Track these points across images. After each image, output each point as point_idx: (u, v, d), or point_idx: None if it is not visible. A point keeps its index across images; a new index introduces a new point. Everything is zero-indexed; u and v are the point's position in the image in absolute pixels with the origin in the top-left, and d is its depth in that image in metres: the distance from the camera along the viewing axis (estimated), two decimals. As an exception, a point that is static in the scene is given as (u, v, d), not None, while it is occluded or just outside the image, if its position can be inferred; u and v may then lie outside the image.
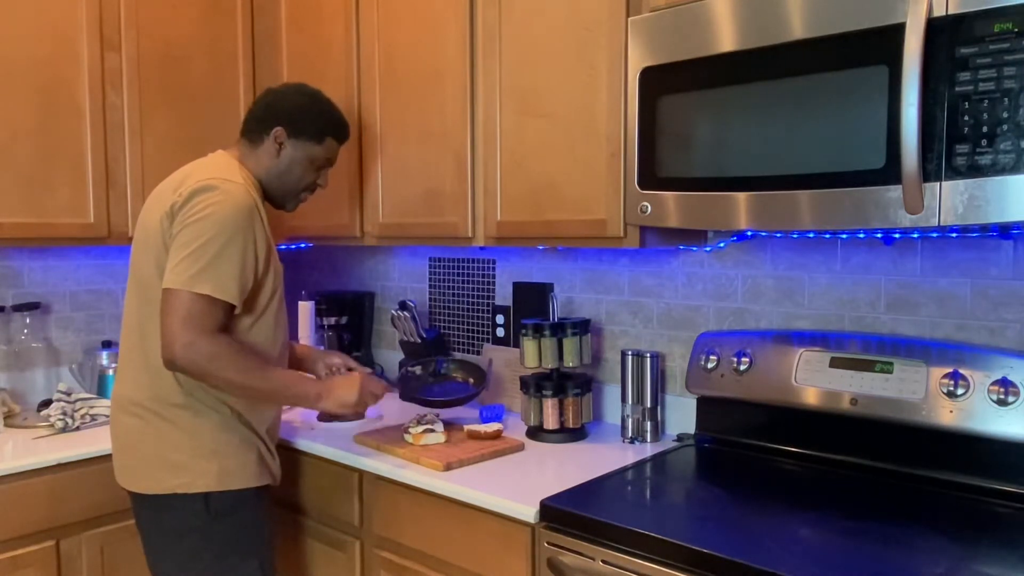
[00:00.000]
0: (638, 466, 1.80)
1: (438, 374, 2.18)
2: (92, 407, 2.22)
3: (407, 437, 1.95)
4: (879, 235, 1.72)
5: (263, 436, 1.77)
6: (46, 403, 2.25)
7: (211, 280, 1.56)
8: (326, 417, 2.22)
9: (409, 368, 2.02)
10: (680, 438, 2.01)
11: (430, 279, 2.71)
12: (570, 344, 2.05)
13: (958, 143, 1.24)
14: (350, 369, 1.95)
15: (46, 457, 1.91)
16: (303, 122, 1.79)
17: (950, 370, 1.58)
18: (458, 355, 2.38)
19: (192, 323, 1.55)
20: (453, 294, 2.64)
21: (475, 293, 2.57)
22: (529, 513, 1.56)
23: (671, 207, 1.61)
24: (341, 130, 1.88)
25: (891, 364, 1.65)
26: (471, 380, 2.22)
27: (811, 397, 1.75)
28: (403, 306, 2.48)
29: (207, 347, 1.56)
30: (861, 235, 1.76)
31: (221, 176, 1.64)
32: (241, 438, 1.71)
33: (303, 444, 2.05)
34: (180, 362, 1.56)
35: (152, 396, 1.67)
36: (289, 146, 1.79)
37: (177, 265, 1.57)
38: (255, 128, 1.80)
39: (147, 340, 1.67)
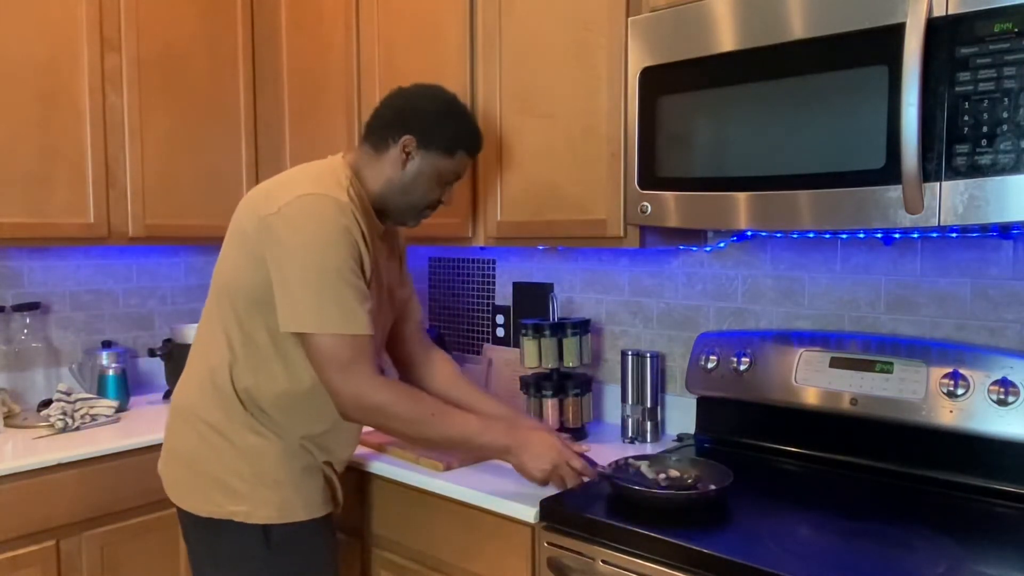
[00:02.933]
0: (638, 466, 1.80)
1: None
2: (92, 407, 2.22)
3: (407, 437, 1.94)
4: (879, 235, 1.72)
5: (333, 462, 1.64)
6: (46, 403, 2.25)
7: (339, 313, 1.41)
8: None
9: (632, 459, 1.65)
10: (680, 438, 2.01)
11: (430, 279, 2.71)
12: (570, 344, 2.05)
13: (958, 143, 1.24)
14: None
15: (46, 457, 1.91)
16: (436, 132, 1.58)
17: (950, 370, 1.58)
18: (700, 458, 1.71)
19: (351, 370, 1.42)
20: (453, 294, 2.64)
21: (475, 293, 2.57)
22: (529, 513, 1.55)
23: (671, 207, 1.61)
24: (475, 143, 1.66)
25: (891, 364, 1.65)
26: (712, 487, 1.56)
27: (811, 397, 1.74)
28: (403, 306, 2.48)
29: (379, 396, 1.45)
30: (861, 235, 1.76)
31: (322, 191, 1.46)
32: (306, 465, 1.58)
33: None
34: (356, 416, 1.48)
35: (214, 412, 1.54)
36: (417, 157, 1.58)
37: (295, 302, 1.42)
38: (380, 133, 1.59)
39: (207, 350, 1.56)
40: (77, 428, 2.15)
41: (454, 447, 1.58)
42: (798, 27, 1.41)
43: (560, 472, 1.53)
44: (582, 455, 1.57)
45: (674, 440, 2.01)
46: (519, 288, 2.43)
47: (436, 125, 1.58)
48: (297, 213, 1.44)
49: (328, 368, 1.44)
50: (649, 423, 2.01)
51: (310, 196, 1.45)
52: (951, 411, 1.56)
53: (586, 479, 1.56)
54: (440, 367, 1.85)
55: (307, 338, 1.44)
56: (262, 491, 1.53)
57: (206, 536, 1.57)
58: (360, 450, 1.95)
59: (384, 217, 1.65)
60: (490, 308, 2.53)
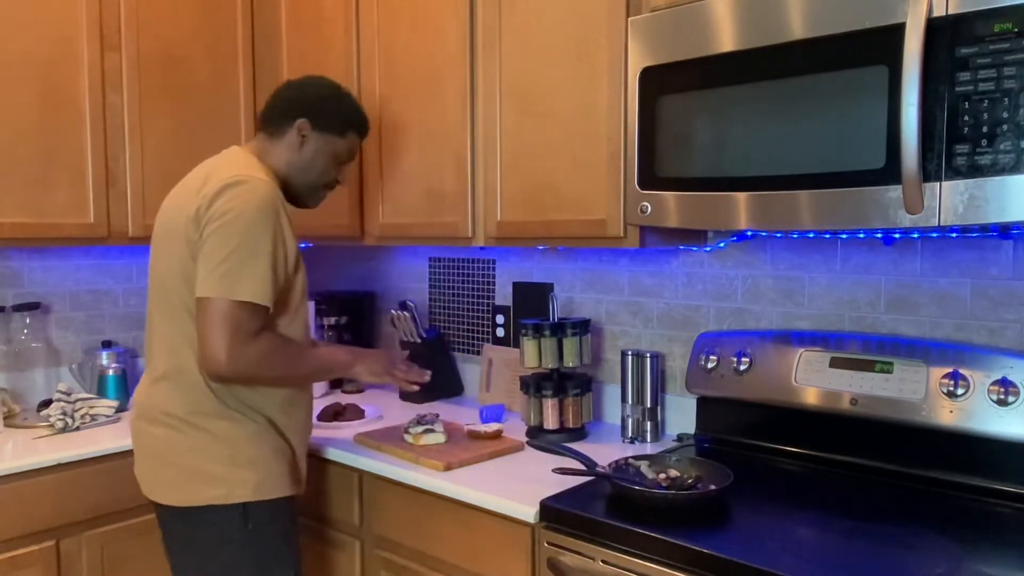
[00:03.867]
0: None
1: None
2: (92, 407, 2.22)
3: (407, 437, 1.95)
4: (879, 235, 1.72)
5: (294, 444, 1.72)
6: (46, 403, 2.25)
7: (248, 285, 1.52)
8: (327, 417, 2.22)
9: (632, 459, 1.67)
10: (680, 438, 2.01)
11: (430, 279, 2.71)
12: (570, 344, 2.05)
13: (958, 143, 1.24)
14: None
15: (46, 457, 1.91)
16: (327, 114, 1.74)
17: (950, 370, 1.58)
18: (699, 458, 1.71)
19: (237, 333, 1.51)
20: (453, 294, 2.64)
21: (475, 293, 2.57)
22: (529, 513, 1.56)
23: (671, 207, 1.61)
24: (363, 125, 1.83)
25: (891, 364, 1.65)
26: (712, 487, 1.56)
27: (811, 397, 1.74)
28: (403, 306, 2.48)
29: (253, 353, 1.53)
30: (861, 235, 1.76)
31: (245, 172, 1.59)
32: (275, 447, 1.66)
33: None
34: (229, 374, 1.53)
35: (185, 406, 1.61)
36: (312, 139, 1.73)
37: (211, 272, 1.51)
38: (277, 121, 1.73)
39: (177, 350, 1.61)
40: (77, 428, 2.15)
41: (313, 379, 1.76)
42: (798, 27, 1.41)
43: (393, 369, 1.80)
44: (409, 362, 1.85)
45: (674, 440, 2.01)
46: (519, 288, 2.43)
47: (327, 108, 1.74)
48: (225, 195, 1.55)
49: (218, 331, 1.50)
50: (649, 423, 2.01)
51: (237, 178, 1.57)
52: (951, 411, 1.56)
53: (414, 381, 1.84)
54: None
55: (207, 301, 1.52)
56: (239, 471, 1.60)
57: (185, 527, 1.63)
58: (359, 449, 1.96)
59: (287, 198, 1.76)
60: (490, 308, 2.53)
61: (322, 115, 1.73)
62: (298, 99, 1.74)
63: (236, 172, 1.59)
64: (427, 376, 1.86)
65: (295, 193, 1.77)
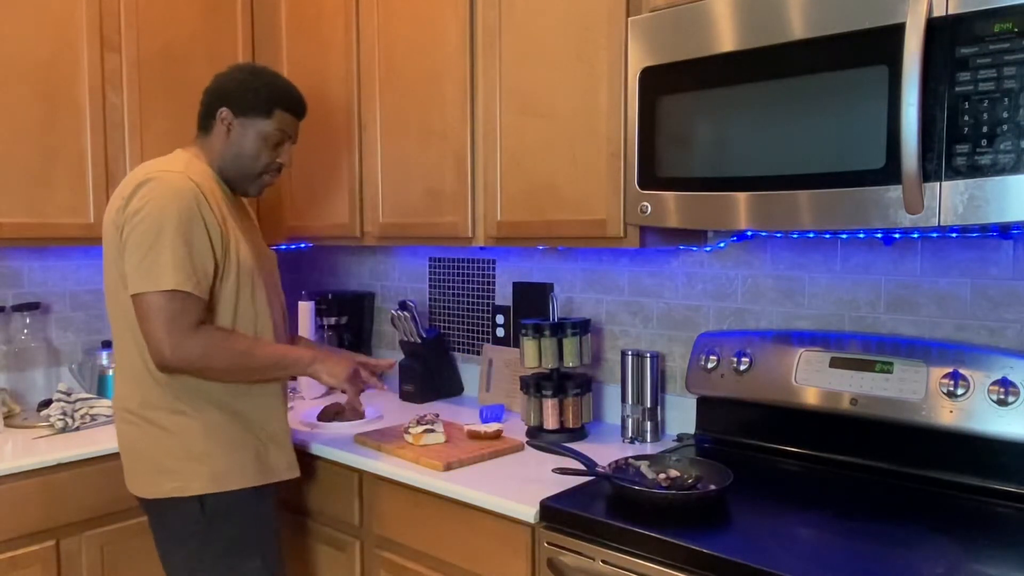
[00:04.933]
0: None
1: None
2: (92, 407, 2.22)
3: (407, 437, 1.94)
4: (879, 235, 1.72)
5: (261, 434, 1.74)
6: (46, 403, 2.25)
7: (169, 274, 1.53)
8: (327, 417, 2.22)
9: (632, 459, 1.66)
10: (680, 438, 2.01)
11: (430, 279, 2.71)
12: (570, 344, 2.05)
13: (958, 143, 1.24)
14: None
15: (46, 457, 1.91)
16: (246, 98, 1.72)
17: (950, 370, 1.58)
18: (700, 458, 1.69)
19: (174, 324, 1.54)
20: (453, 294, 2.64)
21: (475, 293, 2.57)
22: (529, 513, 1.56)
23: (671, 207, 1.61)
24: (291, 102, 1.78)
25: (891, 364, 1.65)
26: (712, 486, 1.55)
27: (811, 397, 1.74)
28: (403, 306, 2.48)
29: (196, 344, 1.56)
30: (861, 235, 1.76)
31: (158, 168, 1.62)
32: (231, 438, 1.69)
33: (303, 444, 2.04)
34: (174, 365, 1.57)
35: (140, 402, 1.66)
36: (237, 125, 1.73)
37: (135, 268, 1.55)
38: (204, 116, 1.76)
39: (126, 347, 1.67)
40: (77, 428, 2.15)
41: (268, 373, 1.71)
42: (798, 27, 1.41)
43: (355, 379, 1.78)
44: (374, 371, 1.85)
45: (674, 440, 2.01)
46: (519, 288, 2.43)
47: (245, 92, 1.73)
48: (140, 193, 1.58)
49: (153, 324, 1.54)
50: (649, 423, 2.01)
51: (148, 179, 1.60)
52: (951, 411, 1.56)
53: (376, 383, 1.84)
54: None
55: (139, 298, 1.55)
56: (191, 464, 1.64)
57: (156, 518, 1.71)
58: (359, 449, 1.95)
59: (231, 190, 1.79)
60: (490, 308, 2.53)
61: (242, 100, 1.72)
62: (217, 89, 1.75)
63: (148, 171, 1.62)
64: (384, 383, 1.89)
65: (234, 182, 1.78)
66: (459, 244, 2.11)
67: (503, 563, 1.62)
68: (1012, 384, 1.50)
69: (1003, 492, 1.52)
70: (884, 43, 1.30)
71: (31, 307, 2.40)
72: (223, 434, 1.68)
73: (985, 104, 1.22)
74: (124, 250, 1.58)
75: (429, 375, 2.52)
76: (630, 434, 2.02)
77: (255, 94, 1.73)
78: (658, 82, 1.61)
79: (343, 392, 1.81)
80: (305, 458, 2.06)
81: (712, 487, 1.51)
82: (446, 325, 2.66)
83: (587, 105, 1.80)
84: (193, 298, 1.57)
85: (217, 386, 1.67)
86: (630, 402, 2.02)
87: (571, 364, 2.05)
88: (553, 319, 2.07)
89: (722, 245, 1.99)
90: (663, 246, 1.89)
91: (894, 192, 1.31)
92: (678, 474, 1.61)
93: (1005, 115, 1.20)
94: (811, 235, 1.83)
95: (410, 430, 1.95)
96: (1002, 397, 1.50)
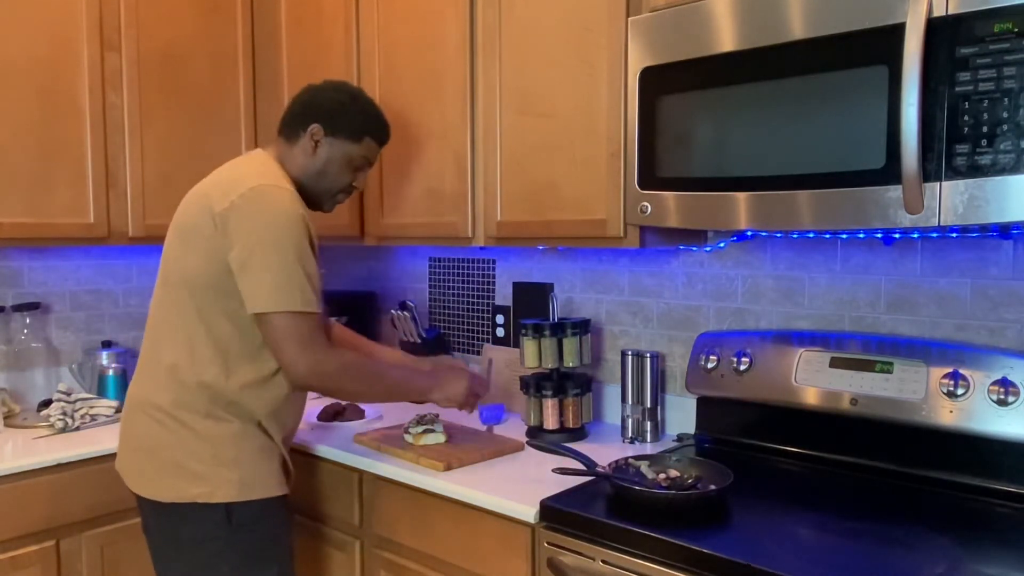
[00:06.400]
0: (638, 466, 1.80)
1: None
2: (92, 407, 2.22)
3: (407, 437, 1.94)
4: (879, 235, 1.72)
5: (280, 444, 1.72)
6: (46, 403, 2.26)
7: (301, 295, 1.55)
8: (327, 416, 2.22)
9: (632, 459, 1.67)
10: (680, 438, 2.01)
11: (430, 279, 2.71)
12: (570, 344, 2.05)
13: (958, 143, 1.24)
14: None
15: (46, 457, 1.91)
16: (341, 120, 1.73)
17: (950, 370, 1.58)
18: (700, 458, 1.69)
19: (312, 342, 1.56)
20: (453, 294, 2.64)
21: (475, 293, 2.57)
22: (529, 513, 1.56)
23: (671, 207, 1.61)
24: (381, 130, 1.81)
25: (891, 364, 1.65)
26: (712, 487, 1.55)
27: (811, 397, 1.74)
28: (403, 306, 2.48)
29: (334, 363, 1.59)
30: (861, 235, 1.76)
31: (271, 182, 1.60)
32: (260, 446, 1.67)
33: (303, 444, 2.04)
34: (313, 383, 1.60)
35: (173, 401, 1.62)
36: (326, 144, 1.73)
37: (268, 286, 1.53)
38: (292, 125, 1.75)
39: (164, 343, 1.64)
40: (77, 428, 2.15)
41: (390, 398, 1.78)
42: (798, 27, 1.41)
43: (471, 396, 1.84)
44: (477, 376, 1.89)
45: (674, 440, 2.01)
46: (519, 288, 2.43)
47: (341, 114, 1.74)
48: (252, 203, 1.56)
49: (288, 343, 1.55)
50: (649, 423, 2.01)
51: (261, 187, 1.58)
52: (951, 411, 1.56)
53: (485, 393, 1.90)
54: (336, 329, 2.10)
55: (267, 317, 1.55)
56: (221, 471, 1.61)
57: (169, 522, 1.63)
58: (359, 449, 1.95)
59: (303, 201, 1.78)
60: (490, 308, 2.53)
61: (336, 120, 1.73)
62: (312, 104, 1.74)
63: (251, 175, 1.60)
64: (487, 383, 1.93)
65: (310, 197, 1.77)
66: (459, 244, 2.11)
67: (503, 563, 1.62)
68: (1012, 384, 1.50)
69: (1003, 492, 1.52)
70: (884, 43, 1.30)
71: (31, 307, 2.40)
72: (252, 442, 1.65)
73: (985, 104, 1.22)
74: (234, 255, 1.54)
75: (429, 375, 2.51)
76: (630, 434, 2.02)
77: (350, 119, 1.74)
78: (658, 82, 1.61)
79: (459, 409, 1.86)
80: (305, 458, 2.06)
81: (712, 487, 1.51)
82: (446, 325, 2.66)
83: (587, 105, 1.80)
84: (318, 316, 1.60)
85: (250, 401, 1.64)
86: (630, 402, 2.02)
87: (571, 364, 2.05)
88: (553, 319, 2.07)
89: (722, 245, 1.99)
90: (663, 246, 1.89)
91: (894, 192, 1.31)
92: (678, 474, 1.61)
93: (1005, 115, 1.20)
94: (811, 235, 1.83)
95: (410, 430, 1.95)
96: (1002, 397, 1.50)
